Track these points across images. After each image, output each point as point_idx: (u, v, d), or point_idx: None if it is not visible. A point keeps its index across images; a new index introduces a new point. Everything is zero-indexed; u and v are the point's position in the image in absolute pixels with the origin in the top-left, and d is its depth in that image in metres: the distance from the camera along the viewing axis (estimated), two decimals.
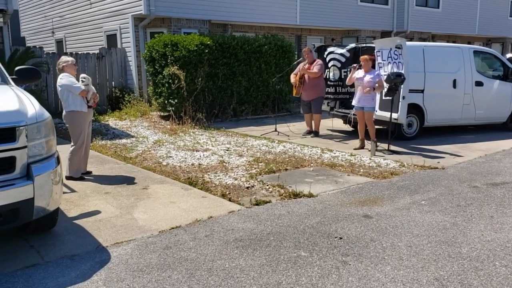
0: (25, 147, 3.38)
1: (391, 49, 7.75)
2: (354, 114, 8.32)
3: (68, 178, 5.74)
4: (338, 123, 10.08)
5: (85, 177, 5.89)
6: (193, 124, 10.16)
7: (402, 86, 7.45)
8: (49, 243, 3.80)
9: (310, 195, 5.13)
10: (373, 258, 3.52)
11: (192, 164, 6.66)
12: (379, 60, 8.09)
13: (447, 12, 20.02)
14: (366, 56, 7.74)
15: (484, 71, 9.61)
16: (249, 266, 3.39)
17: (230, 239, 3.88)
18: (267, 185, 5.52)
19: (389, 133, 7.62)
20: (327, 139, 8.91)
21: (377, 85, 7.50)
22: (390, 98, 7.42)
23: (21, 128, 3.35)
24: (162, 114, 11.64)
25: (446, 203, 4.92)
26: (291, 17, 15.34)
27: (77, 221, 4.31)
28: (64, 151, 5.71)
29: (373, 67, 7.94)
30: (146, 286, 3.10)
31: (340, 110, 9.63)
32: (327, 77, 9.63)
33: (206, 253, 3.61)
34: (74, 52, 13.09)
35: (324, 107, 9.54)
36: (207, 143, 8.32)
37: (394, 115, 7.57)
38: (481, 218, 4.44)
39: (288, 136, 9.13)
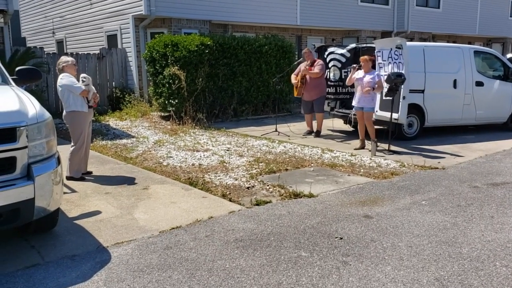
0: (25, 147, 3.39)
1: (391, 49, 7.75)
2: (354, 114, 8.33)
3: (68, 178, 5.74)
4: (339, 123, 10.08)
5: (86, 177, 5.89)
6: (194, 124, 10.16)
7: (402, 86, 7.44)
8: (49, 243, 3.80)
9: (311, 195, 5.13)
10: (374, 258, 3.52)
11: (193, 164, 6.66)
12: (379, 60, 8.09)
13: (447, 12, 20.02)
14: (366, 57, 7.75)
15: (484, 71, 9.60)
16: (249, 266, 3.39)
17: (230, 239, 3.88)
18: (268, 185, 5.52)
19: (389, 133, 7.62)
20: (327, 139, 8.92)
21: (376, 85, 7.51)
22: (391, 98, 7.42)
23: (21, 128, 3.35)
24: (162, 114, 11.64)
25: (446, 203, 4.92)
26: (291, 18, 15.34)
27: (77, 221, 4.31)
28: (65, 151, 5.71)
29: (373, 67, 7.95)
30: (146, 286, 3.10)
31: (340, 110, 9.63)
32: (328, 77, 9.63)
33: (207, 253, 3.61)
34: (74, 53, 13.09)
35: (325, 107, 9.55)
36: (207, 143, 8.32)
37: (395, 115, 7.57)
38: (481, 218, 4.43)
39: (289, 136, 9.13)
